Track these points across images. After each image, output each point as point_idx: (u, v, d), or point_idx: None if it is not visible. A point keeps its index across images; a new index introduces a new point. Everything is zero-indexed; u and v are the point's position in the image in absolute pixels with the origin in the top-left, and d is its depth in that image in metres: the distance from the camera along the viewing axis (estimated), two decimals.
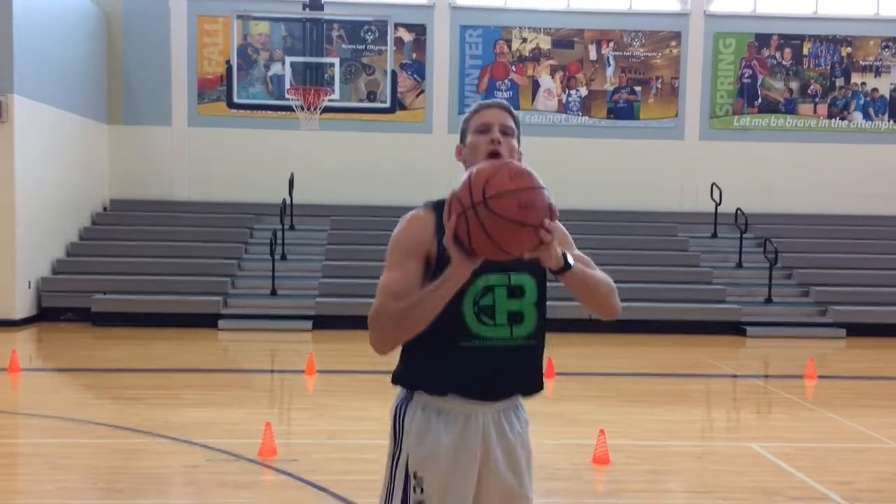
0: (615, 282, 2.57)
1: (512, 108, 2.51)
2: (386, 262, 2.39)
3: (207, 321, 12.97)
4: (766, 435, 7.24)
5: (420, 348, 2.38)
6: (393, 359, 2.53)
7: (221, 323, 13.03)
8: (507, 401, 2.47)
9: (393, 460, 2.47)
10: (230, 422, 7.11)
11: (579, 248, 2.63)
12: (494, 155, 2.36)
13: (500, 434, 2.45)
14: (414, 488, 2.40)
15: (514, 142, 2.46)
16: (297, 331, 12.85)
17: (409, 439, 2.43)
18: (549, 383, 8.94)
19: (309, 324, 13.06)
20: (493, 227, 2.06)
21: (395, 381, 2.51)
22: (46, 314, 13.49)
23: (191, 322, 12.89)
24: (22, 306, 13.01)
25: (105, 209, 15.96)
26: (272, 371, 10.60)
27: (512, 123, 2.47)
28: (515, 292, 2.39)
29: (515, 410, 2.52)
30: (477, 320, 2.36)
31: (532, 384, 2.50)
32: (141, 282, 13.74)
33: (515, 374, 2.44)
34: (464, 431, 2.40)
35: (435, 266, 2.32)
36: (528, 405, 2.61)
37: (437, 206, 2.39)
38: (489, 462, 2.43)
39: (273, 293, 13.79)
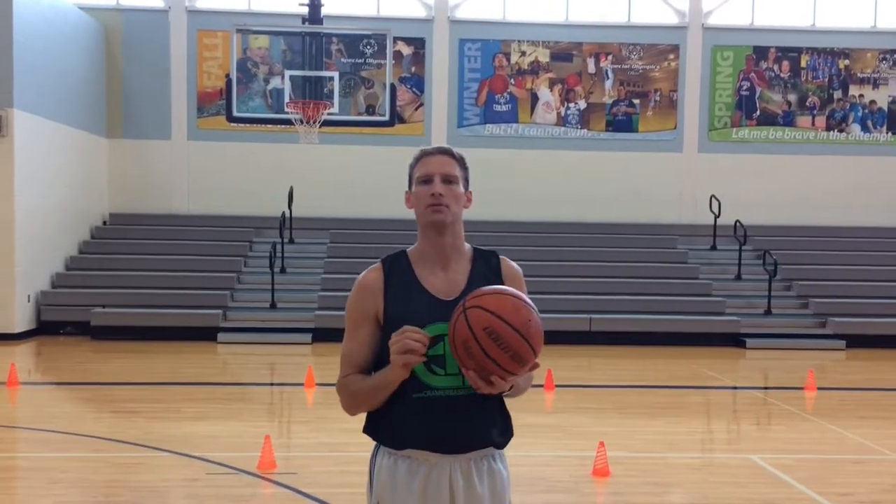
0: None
1: (455, 153, 2.50)
2: (345, 328, 2.52)
3: (207, 334, 12.97)
4: (765, 447, 7.24)
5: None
6: None
7: (221, 336, 13.02)
8: (474, 451, 2.42)
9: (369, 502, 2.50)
10: (229, 435, 7.11)
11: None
12: (436, 211, 2.41)
13: (469, 487, 2.41)
14: None
15: (459, 188, 2.46)
16: (296, 344, 12.84)
17: (378, 488, 2.46)
18: (548, 395, 8.94)
19: (308, 337, 13.06)
20: (487, 348, 2.22)
21: (364, 430, 2.53)
22: (46, 328, 13.48)
23: (190, 335, 12.88)
24: (21, 320, 13.01)
25: (104, 223, 15.98)
26: (271, 384, 10.59)
27: (455, 170, 2.46)
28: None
29: (490, 461, 2.46)
30: (427, 370, 2.35)
31: (495, 435, 2.45)
32: (140, 295, 13.74)
33: (472, 425, 2.39)
34: (428, 481, 2.40)
35: (384, 321, 2.43)
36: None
37: (386, 261, 2.50)
38: None
39: (272, 306, 13.79)
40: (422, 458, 2.40)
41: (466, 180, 2.51)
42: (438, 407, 2.36)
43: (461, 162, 2.50)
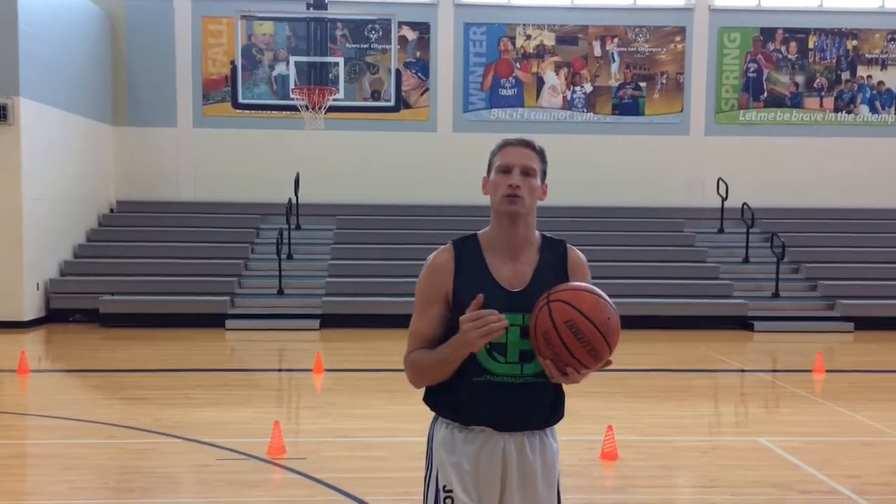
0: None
1: (536, 145, 2.56)
2: (414, 306, 2.60)
3: (215, 321, 13.01)
4: (774, 429, 7.24)
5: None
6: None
7: (229, 323, 13.06)
8: (527, 431, 2.55)
9: (427, 474, 2.62)
10: (239, 421, 7.14)
11: (584, 245, 2.75)
12: (512, 202, 2.48)
13: (521, 458, 2.54)
14: (444, 500, 2.54)
15: (537, 181, 2.53)
16: (304, 330, 12.86)
17: (437, 455, 2.57)
18: None
19: (316, 323, 13.08)
20: (564, 335, 2.34)
21: (424, 400, 2.64)
22: (55, 316, 13.54)
23: (198, 322, 12.93)
24: (30, 308, 13.06)
25: (111, 210, 16.01)
26: (280, 370, 10.62)
27: (535, 163, 2.53)
28: (528, 332, 2.44)
29: (542, 436, 2.59)
30: (488, 356, 2.46)
31: (545, 418, 2.58)
32: (148, 283, 13.78)
33: (526, 410, 2.52)
34: (483, 449, 2.52)
35: (452, 302, 2.51)
36: None
37: (458, 243, 2.58)
38: (508, 483, 2.53)
39: (280, 293, 13.82)
40: (477, 429, 2.52)
41: (544, 173, 2.58)
42: (495, 392, 2.47)
43: (541, 155, 2.57)
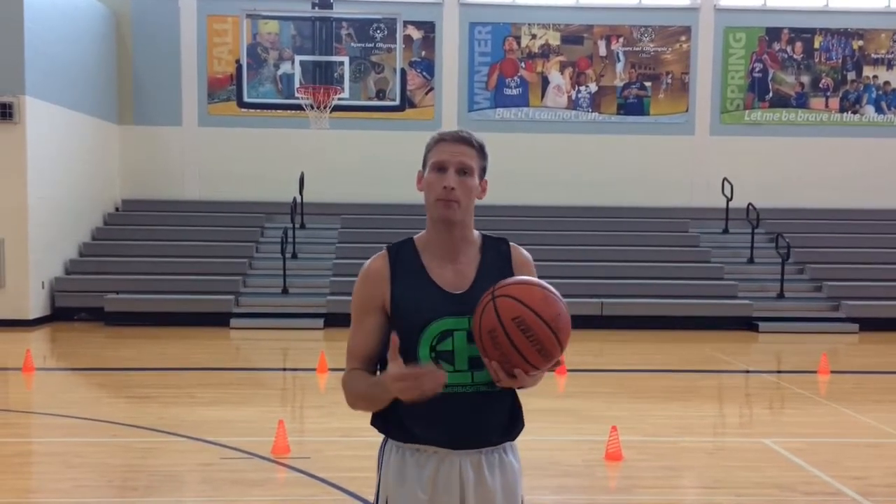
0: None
1: (474, 140, 2.36)
2: (351, 319, 2.42)
3: (219, 320, 13.03)
4: (779, 430, 7.22)
5: None
6: None
7: (233, 322, 13.08)
8: (485, 447, 2.34)
9: (375, 501, 2.44)
10: (243, 420, 7.15)
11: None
12: (447, 207, 2.30)
13: (479, 481, 2.33)
14: None
15: (474, 180, 2.33)
16: (308, 329, 12.88)
17: (386, 481, 2.37)
18: (560, 380, 8.94)
19: (320, 322, 13.09)
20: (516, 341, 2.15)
21: (371, 423, 2.45)
22: (60, 314, 13.57)
23: (203, 321, 12.95)
24: (36, 306, 13.09)
25: (117, 209, 16.04)
26: (284, 369, 10.63)
27: (473, 160, 2.33)
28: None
29: (502, 454, 2.38)
30: (434, 366, 2.24)
31: (503, 431, 2.37)
32: (153, 281, 13.81)
33: (480, 423, 2.31)
34: (438, 474, 2.32)
35: (391, 311, 2.34)
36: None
37: (392, 249, 2.40)
38: None
39: (284, 292, 13.83)
40: (430, 450, 2.33)
41: (484, 169, 2.39)
42: (445, 404, 2.26)
43: (480, 150, 2.37)
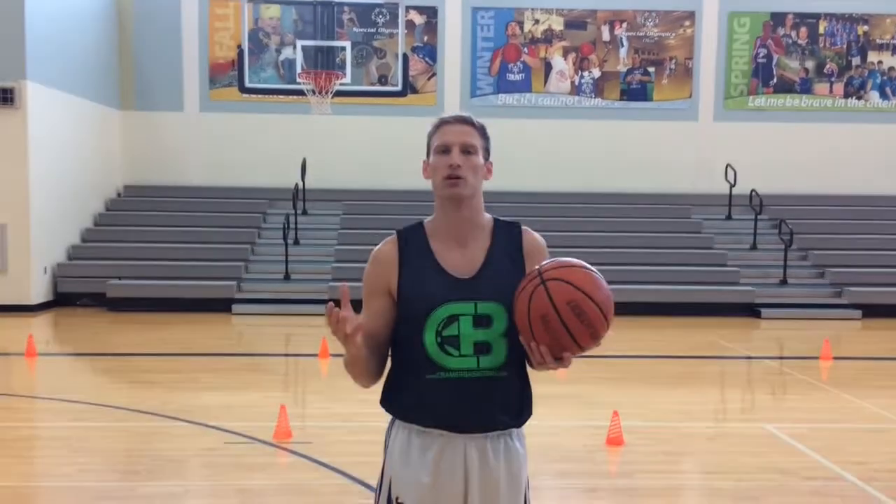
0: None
1: (475, 121, 2.39)
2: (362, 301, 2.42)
3: (221, 306, 13.05)
4: (780, 416, 7.23)
5: (394, 378, 2.41)
6: None
7: (235, 307, 13.09)
8: (491, 431, 2.34)
9: (379, 481, 2.44)
10: (245, 405, 7.17)
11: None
12: (454, 185, 2.32)
13: (484, 465, 2.32)
14: None
15: (479, 159, 2.35)
16: (310, 315, 12.88)
17: (391, 462, 2.39)
18: None
19: (322, 308, 13.06)
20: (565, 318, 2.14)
21: (380, 403, 2.46)
22: (62, 299, 13.60)
23: (205, 307, 12.97)
24: (38, 292, 13.12)
25: (119, 195, 16.04)
26: (286, 355, 10.65)
27: (475, 139, 2.36)
28: (482, 322, 2.28)
29: (507, 440, 2.37)
30: (440, 351, 2.28)
31: (509, 418, 2.35)
32: (155, 267, 13.81)
33: (485, 407, 2.30)
34: (442, 456, 2.32)
35: (397, 296, 2.35)
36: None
37: (402, 233, 2.42)
38: (469, 495, 2.32)
39: (286, 277, 13.84)
40: (436, 433, 2.33)
41: (487, 150, 2.40)
42: (451, 389, 2.28)
43: (481, 131, 2.39)
